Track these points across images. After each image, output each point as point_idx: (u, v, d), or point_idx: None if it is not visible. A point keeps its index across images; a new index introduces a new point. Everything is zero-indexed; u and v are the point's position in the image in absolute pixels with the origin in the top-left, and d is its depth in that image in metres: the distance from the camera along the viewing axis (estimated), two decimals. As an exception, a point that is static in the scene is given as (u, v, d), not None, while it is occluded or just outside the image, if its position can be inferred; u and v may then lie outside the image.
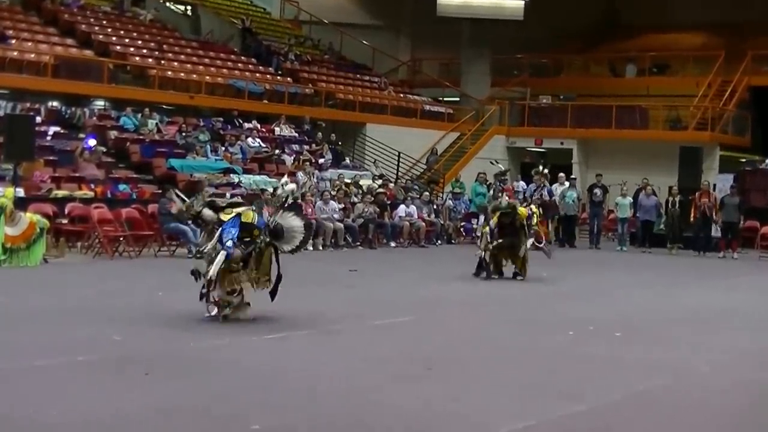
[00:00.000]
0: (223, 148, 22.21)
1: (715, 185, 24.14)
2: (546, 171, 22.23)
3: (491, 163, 20.84)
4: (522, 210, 14.55)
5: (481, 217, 22.80)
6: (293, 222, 9.62)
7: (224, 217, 9.32)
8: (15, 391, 6.49)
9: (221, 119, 24.04)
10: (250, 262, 9.41)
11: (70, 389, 6.61)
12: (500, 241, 14.38)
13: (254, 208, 9.66)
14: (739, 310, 12.55)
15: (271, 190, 18.82)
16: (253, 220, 9.36)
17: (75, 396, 6.44)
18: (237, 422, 5.96)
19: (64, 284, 12.69)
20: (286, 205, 9.67)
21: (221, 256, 9.06)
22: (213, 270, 9.07)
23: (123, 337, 8.45)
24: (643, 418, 6.57)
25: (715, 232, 22.13)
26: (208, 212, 9.49)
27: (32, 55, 21.81)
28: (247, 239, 9.34)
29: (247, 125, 24.47)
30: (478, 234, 22.77)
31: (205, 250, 9.37)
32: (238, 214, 9.31)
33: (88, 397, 6.39)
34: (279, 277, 9.52)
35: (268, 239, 9.46)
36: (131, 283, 12.98)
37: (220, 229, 9.22)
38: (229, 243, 9.08)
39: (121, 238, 16.13)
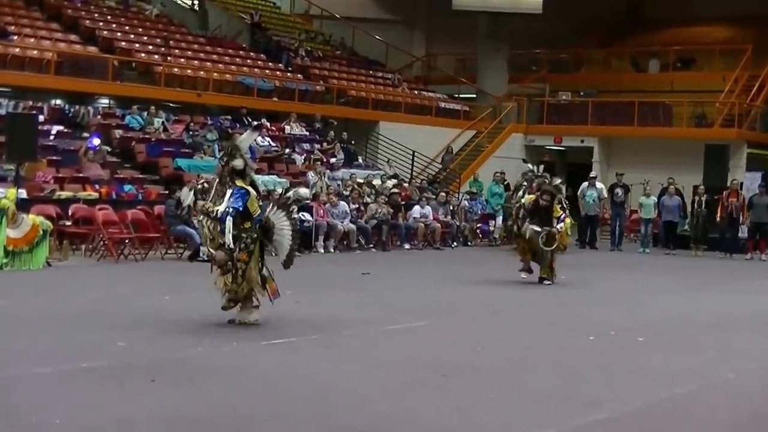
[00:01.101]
0: (232, 147, 21.69)
1: (742, 184, 23.59)
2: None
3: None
4: (557, 207, 14.25)
5: (499, 218, 22.57)
6: (283, 223, 9.57)
7: (239, 182, 9.25)
8: (17, 399, 6.42)
9: (229, 117, 23.82)
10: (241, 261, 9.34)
11: (74, 396, 6.55)
12: (533, 227, 13.97)
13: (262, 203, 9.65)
14: (767, 314, 12.30)
15: (280, 190, 18.49)
16: (254, 212, 9.32)
17: (78, 403, 6.38)
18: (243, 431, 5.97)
19: (67, 288, 12.49)
20: (286, 204, 9.69)
21: (229, 222, 9.03)
22: (228, 238, 9.05)
23: (128, 343, 8.37)
24: (666, 426, 6.51)
25: (742, 232, 21.82)
26: (239, 162, 9.32)
27: (35, 52, 21.66)
28: (241, 228, 9.28)
29: (256, 123, 23.90)
30: (496, 236, 22.57)
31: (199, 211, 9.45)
32: (249, 192, 9.24)
33: (92, 405, 6.32)
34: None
35: (255, 235, 9.38)
36: (137, 287, 12.87)
37: (230, 191, 9.17)
38: (232, 210, 9.06)
39: (127, 241, 16.02)
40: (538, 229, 13.88)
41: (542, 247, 13.95)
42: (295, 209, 9.83)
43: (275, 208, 9.61)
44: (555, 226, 13.99)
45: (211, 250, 9.40)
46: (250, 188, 9.30)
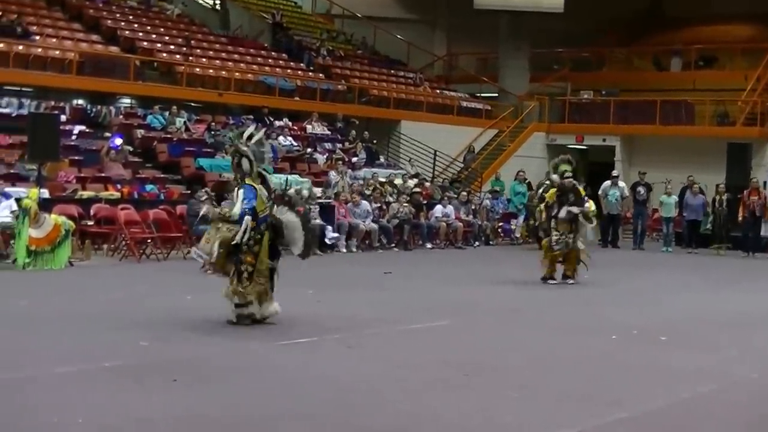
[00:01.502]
0: (254, 147, 21.71)
1: (765, 183, 23.40)
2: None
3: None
4: (581, 188, 14.40)
5: (521, 218, 22.48)
6: (290, 217, 9.62)
7: (248, 180, 9.30)
8: (38, 398, 6.40)
9: (251, 117, 23.64)
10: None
11: (95, 396, 6.53)
12: (569, 208, 13.98)
13: (270, 203, 9.59)
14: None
15: (305, 192, 18.49)
16: (260, 212, 9.30)
17: (100, 403, 6.35)
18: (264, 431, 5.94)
19: (89, 288, 12.51)
20: (288, 202, 9.80)
21: (246, 222, 9.08)
22: (240, 234, 9.11)
23: (150, 343, 8.37)
24: (688, 425, 6.49)
25: (765, 231, 21.71)
26: (246, 163, 9.37)
27: (57, 52, 21.68)
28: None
29: (278, 123, 24.16)
30: (518, 235, 22.48)
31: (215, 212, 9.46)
32: (257, 191, 9.28)
33: (113, 405, 6.32)
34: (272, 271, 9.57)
35: (260, 236, 9.33)
36: (159, 286, 12.90)
37: (242, 191, 9.23)
38: (249, 210, 9.13)
39: (149, 240, 16.01)
40: (575, 210, 13.94)
41: (584, 223, 14.08)
42: (316, 208, 9.82)
43: (278, 206, 9.62)
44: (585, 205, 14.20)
45: (200, 251, 9.38)
46: (260, 187, 9.31)
